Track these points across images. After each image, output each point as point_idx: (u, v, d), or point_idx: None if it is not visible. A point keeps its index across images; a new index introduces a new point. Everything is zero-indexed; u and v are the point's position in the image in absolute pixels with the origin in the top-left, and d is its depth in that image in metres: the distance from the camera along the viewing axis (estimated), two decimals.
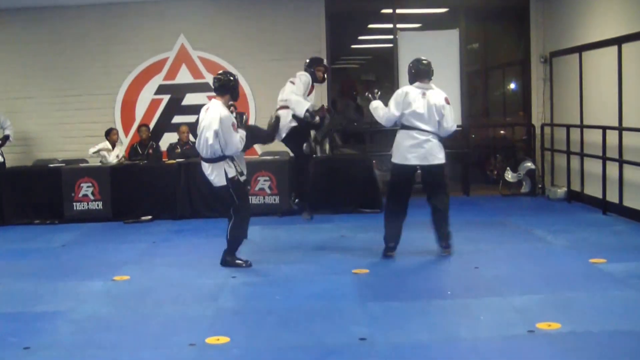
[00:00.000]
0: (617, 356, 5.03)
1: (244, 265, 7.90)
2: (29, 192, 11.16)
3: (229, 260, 7.93)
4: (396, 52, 12.89)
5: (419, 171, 8.07)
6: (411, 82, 8.10)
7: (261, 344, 5.52)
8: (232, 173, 7.74)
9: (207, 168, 7.84)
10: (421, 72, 8.07)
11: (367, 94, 8.51)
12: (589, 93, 11.17)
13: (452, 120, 8.00)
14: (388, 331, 5.68)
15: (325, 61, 9.30)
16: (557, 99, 12.49)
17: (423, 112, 7.84)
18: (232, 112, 7.85)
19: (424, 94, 7.91)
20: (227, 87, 7.87)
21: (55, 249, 9.39)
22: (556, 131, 12.38)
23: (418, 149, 7.84)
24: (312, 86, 8.87)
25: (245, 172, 7.98)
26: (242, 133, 7.83)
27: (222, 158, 7.71)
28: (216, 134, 7.54)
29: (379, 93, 8.36)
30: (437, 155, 7.91)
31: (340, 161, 11.83)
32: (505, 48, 15.81)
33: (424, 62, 8.12)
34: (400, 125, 7.99)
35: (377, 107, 8.14)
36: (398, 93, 8.00)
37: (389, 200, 8.20)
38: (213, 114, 7.64)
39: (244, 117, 8.18)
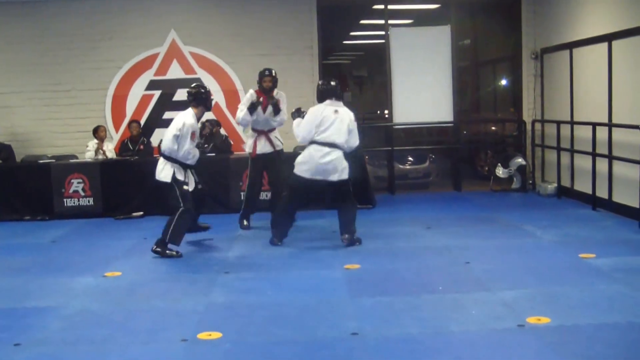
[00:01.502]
0: (603, 349, 5.07)
1: (175, 255, 8.30)
2: (18, 188, 11.11)
3: (159, 250, 8.32)
4: (388, 48, 12.90)
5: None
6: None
7: (252, 338, 5.53)
8: (179, 176, 8.42)
9: (160, 162, 8.53)
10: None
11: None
12: (579, 89, 11.21)
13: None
14: (379, 325, 5.70)
15: (272, 72, 9.67)
16: (548, 95, 12.53)
17: None
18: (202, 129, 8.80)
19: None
20: (199, 99, 8.57)
21: (46, 244, 9.37)
22: (547, 127, 12.41)
23: None
24: (265, 98, 9.56)
25: (193, 182, 8.67)
26: (194, 150, 8.54)
27: (175, 160, 8.43)
28: (176, 137, 8.31)
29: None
30: None
31: None
32: (497, 44, 15.86)
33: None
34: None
35: None
36: None
37: None
38: (180, 119, 8.45)
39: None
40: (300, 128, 8.59)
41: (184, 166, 8.49)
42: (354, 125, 8.62)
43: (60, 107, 12.70)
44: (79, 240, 9.64)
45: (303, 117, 8.70)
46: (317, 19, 12.75)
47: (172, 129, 8.39)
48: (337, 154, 8.45)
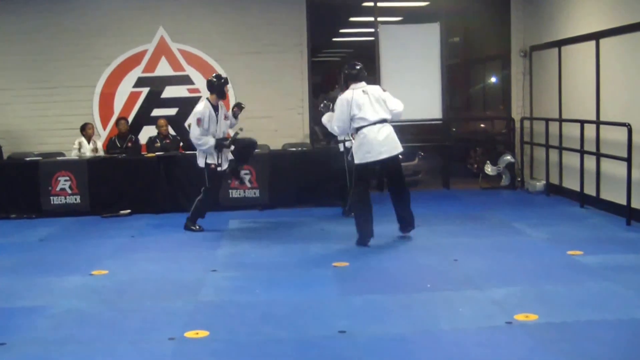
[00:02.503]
0: (592, 346, 5.07)
1: (196, 229, 9.50)
2: (5, 186, 11.01)
3: (188, 224, 9.55)
4: (377, 46, 12.88)
5: None
6: None
7: (241, 337, 5.50)
8: (210, 160, 9.32)
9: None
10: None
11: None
12: (568, 87, 11.24)
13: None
14: (368, 324, 5.69)
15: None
16: (537, 93, 12.55)
17: None
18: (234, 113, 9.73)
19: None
20: (211, 87, 9.39)
21: (33, 243, 9.29)
22: (535, 125, 12.43)
23: None
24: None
25: (225, 165, 9.50)
26: (205, 138, 9.22)
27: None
28: (188, 125, 9.30)
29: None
30: None
31: (320, 154, 11.77)
32: (486, 42, 15.88)
33: None
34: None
35: None
36: None
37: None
38: (195, 108, 9.34)
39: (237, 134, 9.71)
40: (335, 122, 8.54)
41: (217, 149, 9.28)
42: (386, 94, 8.53)
43: (47, 105, 12.60)
44: (67, 238, 9.58)
45: (333, 110, 8.77)
46: (307, 16, 12.72)
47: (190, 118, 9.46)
48: (389, 128, 8.43)
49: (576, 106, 10.91)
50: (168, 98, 12.71)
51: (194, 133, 9.23)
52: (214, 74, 9.85)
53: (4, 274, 7.66)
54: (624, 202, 9.13)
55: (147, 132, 12.39)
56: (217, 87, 9.37)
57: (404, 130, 14.38)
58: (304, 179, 10.92)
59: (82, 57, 12.56)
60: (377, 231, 9.12)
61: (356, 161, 8.41)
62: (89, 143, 11.83)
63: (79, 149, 11.70)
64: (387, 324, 5.67)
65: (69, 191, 11.01)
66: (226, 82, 9.56)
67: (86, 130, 11.90)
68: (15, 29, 12.54)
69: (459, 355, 5.06)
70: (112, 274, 7.51)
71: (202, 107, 9.27)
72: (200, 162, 9.39)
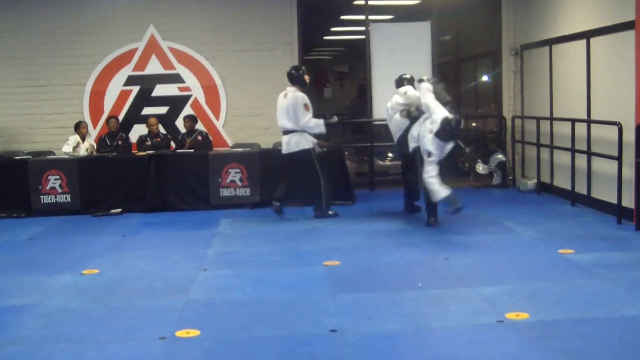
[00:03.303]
0: (582, 344, 5.07)
1: (333, 214, 10.05)
2: None
3: (324, 211, 9.99)
4: (368, 44, 12.87)
5: None
6: None
7: (232, 336, 5.49)
8: (311, 144, 9.90)
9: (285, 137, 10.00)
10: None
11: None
12: (559, 85, 11.25)
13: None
14: (359, 322, 5.68)
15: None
16: (528, 91, 12.56)
17: None
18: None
19: None
20: (293, 78, 10.00)
21: (23, 242, 9.25)
22: (526, 123, 12.45)
23: None
24: None
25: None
26: (316, 120, 9.92)
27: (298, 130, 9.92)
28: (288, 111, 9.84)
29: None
30: None
31: (311, 153, 11.72)
32: (477, 40, 15.87)
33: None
34: None
35: None
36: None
37: None
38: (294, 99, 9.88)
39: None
40: (441, 107, 9.07)
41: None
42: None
43: (37, 103, 12.53)
44: (57, 237, 9.53)
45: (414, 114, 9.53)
46: (298, 14, 12.69)
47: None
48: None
49: (567, 105, 10.92)
50: (158, 96, 12.66)
51: (306, 117, 9.79)
52: (292, 66, 10.47)
53: None
54: (614, 200, 9.15)
55: (138, 131, 12.34)
56: (295, 77, 10.00)
57: None
58: (295, 178, 10.88)
59: (72, 55, 12.51)
60: (366, 230, 9.17)
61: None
62: (83, 142, 11.79)
63: (74, 147, 11.63)
64: (377, 322, 5.66)
65: (59, 190, 10.96)
66: (304, 71, 10.14)
67: (80, 129, 11.85)
68: (4, 26, 12.47)
69: (449, 353, 5.05)
70: (102, 272, 7.48)
71: (301, 94, 9.89)
72: (306, 144, 9.86)
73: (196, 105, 12.61)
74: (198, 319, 5.89)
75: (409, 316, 5.81)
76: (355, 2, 13.33)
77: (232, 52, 12.58)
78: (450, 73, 17.03)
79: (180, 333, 5.51)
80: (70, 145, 11.62)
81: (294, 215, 10.25)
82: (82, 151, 11.68)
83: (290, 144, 9.92)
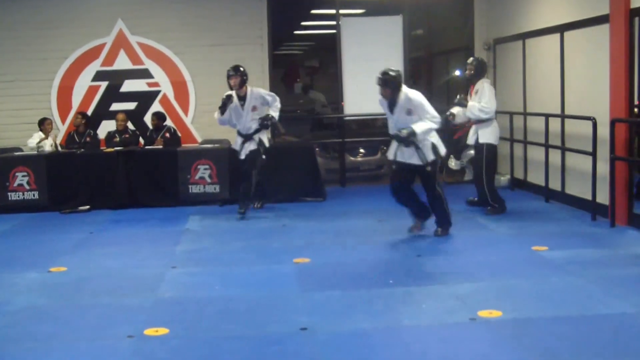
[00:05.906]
0: (556, 342, 5.04)
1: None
2: None
3: (446, 228, 8.52)
4: (339, 38, 12.80)
5: None
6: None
7: (201, 334, 5.41)
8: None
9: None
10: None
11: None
12: (532, 80, 11.25)
13: None
14: (329, 320, 5.62)
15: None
16: (501, 86, 12.53)
17: None
18: None
19: None
20: (383, 83, 8.61)
21: None
22: (499, 118, 12.37)
23: None
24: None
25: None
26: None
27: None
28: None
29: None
30: None
31: (282, 149, 11.63)
32: (449, 34, 15.88)
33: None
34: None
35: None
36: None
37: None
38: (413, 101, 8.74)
39: None
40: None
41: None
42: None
43: (3, 99, 12.36)
44: (24, 234, 9.40)
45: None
46: (268, 8, 12.59)
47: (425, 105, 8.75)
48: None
49: (541, 100, 10.92)
50: (127, 92, 12.50)
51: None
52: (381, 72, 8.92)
53: None
54: (589, 196, 9.13)
55: (106, 127, 12.16)
56: (388, 82, 8.77)
57: (367, 123, 14.35)
58: (267, 174, 10.78)
59: (39, 50, 12.32)
60: (337, 227, 9.12)
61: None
62: (46, 138, 11.60)
63: (38, 144, 11.44)
64: (348, 320, 5.60)
65: (27, 187, 10.81)
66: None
67: (44, 126, 11.67)
68: None
69: (420, 351, 5.00)
70: (70, 270, 7.38)
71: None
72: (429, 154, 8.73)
73: (165, 100, 12.48)
74: (167, 317, 5.81)
75: (379, 314, 5.76)
76: None
77: (202, 47, 12.46)
78: (422, 68, 17.03)
79: (149, 331, 5.43)
80: (34, 141, 11.45)
81: (264, 212, 10.16)
82: (47, 147, 11.50)
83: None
